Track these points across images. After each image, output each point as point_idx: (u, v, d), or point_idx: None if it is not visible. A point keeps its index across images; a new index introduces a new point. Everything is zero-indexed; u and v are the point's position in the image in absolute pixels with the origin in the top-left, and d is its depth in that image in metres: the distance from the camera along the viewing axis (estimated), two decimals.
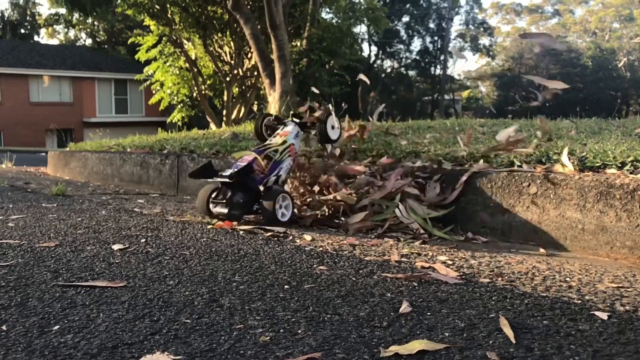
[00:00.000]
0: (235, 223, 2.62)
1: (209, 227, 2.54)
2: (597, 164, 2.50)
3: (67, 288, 1.48)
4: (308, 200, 3.04)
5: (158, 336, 1.14)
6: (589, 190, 2.29)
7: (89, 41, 39.85)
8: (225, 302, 1.36)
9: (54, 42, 40.75)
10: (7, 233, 2.30)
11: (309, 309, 1.32)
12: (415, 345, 1.08)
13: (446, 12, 38.57)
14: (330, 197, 2.86)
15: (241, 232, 2.42)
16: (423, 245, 2.25)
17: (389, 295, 1.45)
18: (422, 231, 2.52)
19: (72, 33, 40.02)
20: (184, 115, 17.39)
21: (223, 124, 16.03)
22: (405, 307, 1.34)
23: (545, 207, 2.41)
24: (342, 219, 2.79)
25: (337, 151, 3.54)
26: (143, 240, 2.16)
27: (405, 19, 40.59)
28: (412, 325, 1.23)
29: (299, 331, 1.17)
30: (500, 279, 1.70)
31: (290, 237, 2.34)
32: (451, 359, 1.04)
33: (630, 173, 2.35)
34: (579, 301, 1.46)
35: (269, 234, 2.39)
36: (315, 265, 1.79)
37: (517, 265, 1.92)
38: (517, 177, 2.50)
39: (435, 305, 1.38)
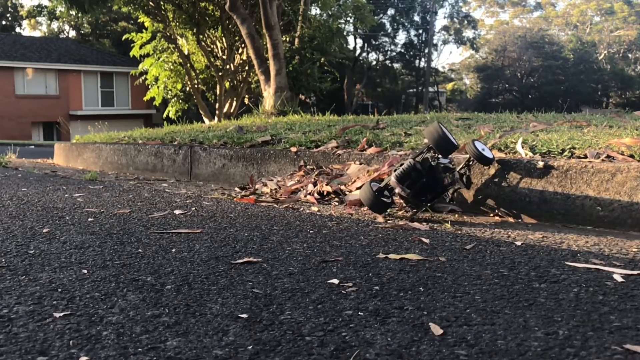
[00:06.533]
0: (255, 198, 3.31)
1: (236, 200, 3.24)
2: (543, 151, 3.22)
3: (161, 234, 2.18)
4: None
5: (240, 253, 1.86)
6: (534, 171, 3.01)
7: (72, 33, 40.00)
8: (274, 239, 2.08)
9: (36, 34, 40.82)
10: (83, 204, 2.99)
11: (330, 241, 2.04)
12: (401, 255, 1.80)
13: (431, 5, 39.33)
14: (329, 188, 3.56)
15: (263, 204, 3.12)
16: (405, 214, 2.96)
17: (380, 235, 2.17)
18: (404, 205, 3.23)
19: (55, 25, 40.11)
20: (177, 109, 18.00)
21: (215, 117, 16.67)
22: (391, 240, 2.06)
23: (501, 185, 3.12)
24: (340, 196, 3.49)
25: (333, 142, 4.27)
26: (193, 208, 2.87)
27: (391, 11, 41.31)
28: (396, 247, 1.95)
29: (327, 249, 1.89)
30: (459, 231, 2.42)
31: (302, 208, 3.04)
32: (420, 264, 1.76)
33: (568, 158, 3.07)
34: (508, 239, 2.19)
35: (285, 205, 3.09)
36: (327, 222, 2.50)
37: (473, 225, 2.64)
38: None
39: (412, 239, 2.10)
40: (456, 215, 2.85)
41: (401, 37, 54.70)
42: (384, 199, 2.79)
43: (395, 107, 38.45)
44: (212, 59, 17.12)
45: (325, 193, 3.43)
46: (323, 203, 3.25)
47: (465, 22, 44.45)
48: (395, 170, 2.70)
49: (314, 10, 17.43)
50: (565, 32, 48.70)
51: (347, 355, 1.06)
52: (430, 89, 41.48)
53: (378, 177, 3.44)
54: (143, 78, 18.50)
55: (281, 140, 4.61)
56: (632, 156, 2.78)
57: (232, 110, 17.16)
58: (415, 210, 2.80)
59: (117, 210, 2.80)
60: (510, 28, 47.46)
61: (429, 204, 2.82)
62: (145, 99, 19.20)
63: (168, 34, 16.71)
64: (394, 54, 42.87)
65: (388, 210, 2.87)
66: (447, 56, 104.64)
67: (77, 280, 1.54)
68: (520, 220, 2.83)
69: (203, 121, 15.03)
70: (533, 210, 2.91)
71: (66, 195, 3.43)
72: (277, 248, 1.92)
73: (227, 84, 17.50)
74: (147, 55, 17.70)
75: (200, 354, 1.06)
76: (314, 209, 3.02)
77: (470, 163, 3.01)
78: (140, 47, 17.72)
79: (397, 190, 2.67)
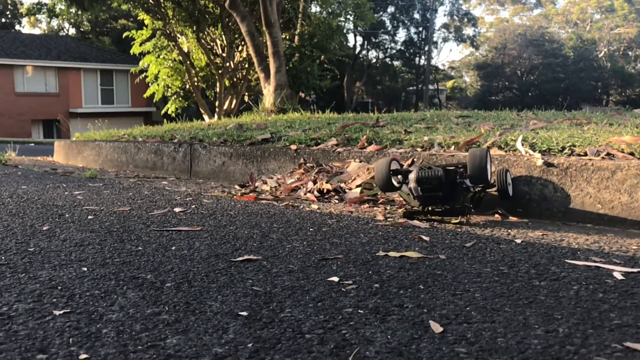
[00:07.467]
0: (255, 195, 3.31)
1: (236, 198, 3.24)
2: (543, 149, 3.22)
3: (161, 231, 2.18)
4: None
5: (240, 250, 1.85)
6: (534, 168, 3.00)
7: (72, 31, 39.95)
8: (274, 237, 2.08)
9: (36, 31, 40.78)
10: (83, 202, 2.98)
11: (330, 239, 2.04)
12: (401, 252, 1.80)
13: (431, 3, 39.28)
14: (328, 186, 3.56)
15: (263, 202, 3.12)
16: (404, 211, 2.96)
17: (380, 233, 2.17)
18: (404, 203, 3.23)
19: (55, 23, 40.05)
20: (177, 106, 18.00)
21: (215, 115, 16.67)
22: (390, 238, 2.06)
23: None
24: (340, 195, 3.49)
25: (333, 140, 4.26)
26: (193, 206, 2.87)
27: (391, 9, 41.27)
28: (396, 244, 1.95)
29: (327, 247, 1.89)
30: (459, 229, 2.42)
31: (302, 206, 3.05)
32: (420, 262, 1.76)
33: (568, 156, 3.07)
34: (508, 237, 2.19)
35: (285, 203, 3.09)
36: (327, 219, 2.51)
37: (473, 223, 2.64)
38: None
39: (412, 237, 2.10)
40: None
41: (401, 35, 54.68)
42: (395, 182, 2.77)
43: (395, 105, 38.42)
44: (212, 57, 17.11)
45: (325, 191, 3.43)
46: (323, 201, 3.25)
47: (465, 19, 44.44)
48: (421, 169, 2.66)
49: (314, 8, 17.44)
50: (565, 30, 48.64)
51: (347, 353, 1.06)
52: (431, 87, 41.46)
53: (400, 159, 3.41)
54: (143, 76, 18.49)
55: (281, 138, 4.61)
56: (632, 154, 2.77)
57: (232, 108, 17.15)
58: (417, 210, 2.77)
59: (117, 208, 2.80)
60: (511, 26, 47.40)
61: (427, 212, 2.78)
62: (145, 95, 19.18)
63: (168, 32, 16.70)
64: (394, 51, 42.84)
65: (387, 208, 2.88)
66: (447, 54, 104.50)
67: (77, 277, 1.54)
68: (520, 218, 2.82)
69: (203, 119, 15.03)
70: (533, 208, 2.91)
71: (66, 193, 3.43)
72: (277, 246, 1.92)
73: (227, 82, 17.49)
74: (147, 52, 17.69)
75: (200, 352, 1.06)
76: (314, 206, 3.02)
77: (489, 190, 2.93)
78: (140, 45, 17.72)
79: (411, 185, 2.62)
